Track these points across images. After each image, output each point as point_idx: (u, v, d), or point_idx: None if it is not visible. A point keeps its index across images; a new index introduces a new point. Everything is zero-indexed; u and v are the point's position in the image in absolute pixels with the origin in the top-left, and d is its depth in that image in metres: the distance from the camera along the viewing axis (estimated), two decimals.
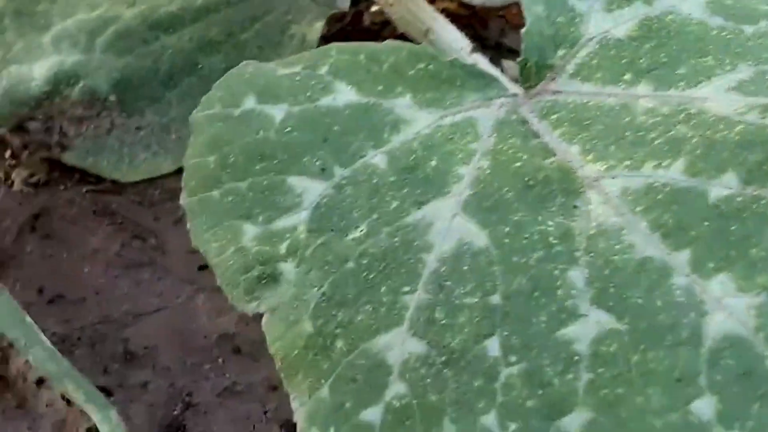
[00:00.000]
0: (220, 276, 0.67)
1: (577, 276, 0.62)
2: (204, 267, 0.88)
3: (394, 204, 0.67)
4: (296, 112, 0.71)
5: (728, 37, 0.73)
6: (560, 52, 0.75)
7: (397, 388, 0.61)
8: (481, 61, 0.80)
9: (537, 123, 0.71)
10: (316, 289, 0.65)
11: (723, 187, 0.63)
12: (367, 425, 0.62)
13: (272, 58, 0.88)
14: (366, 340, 0.63)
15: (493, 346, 0.61)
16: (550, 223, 0.64)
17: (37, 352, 0.81)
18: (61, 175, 0.95)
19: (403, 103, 0.72)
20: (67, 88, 0.91)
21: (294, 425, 0.64)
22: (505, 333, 0.61)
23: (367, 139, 0.70)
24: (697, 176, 0.64)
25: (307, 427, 0.63)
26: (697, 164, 0.64)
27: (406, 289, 0.64)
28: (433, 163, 0.69)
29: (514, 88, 0.75)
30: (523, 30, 0.75)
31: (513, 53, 0.74)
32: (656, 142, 0.66)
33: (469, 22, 1.04)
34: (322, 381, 0.63)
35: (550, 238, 0.64)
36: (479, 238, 0.65)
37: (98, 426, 0.80)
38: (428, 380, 0.61)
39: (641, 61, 0.73)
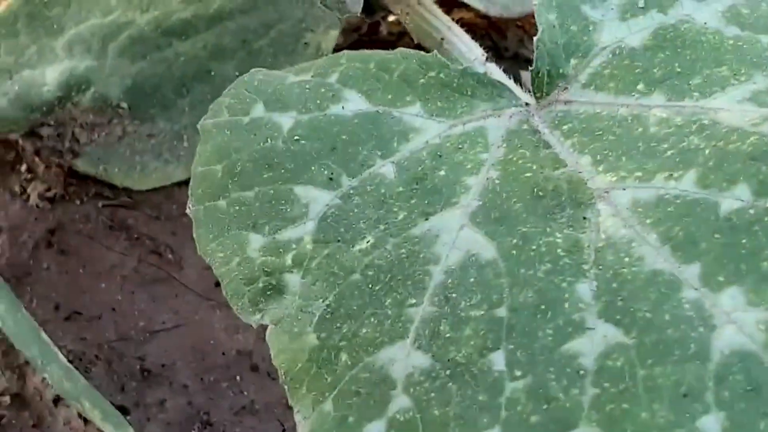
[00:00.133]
0: (225, 286, 0.67)
1: (584, 289, 0.61)
2: None
3: (402, 215, 0.66)
4: (305, 120, 0.71)
5: (744, 47, 0.72)
6: (573, 62, 0.74)
7: (401, 402, 0.61)
8: (495, 71, 0.80)
9: (548, 133, 0.71)
10: (321, 300, 0.64)
11: (735, 199, 0.62)
12: None
13: (287, 66, 0.87)
14: (370, 354, 0.62)
15: (498, 359, 0.60)
16: (559, 235, 0.64)
17: (54, 370, 0.81)
18: (77, 189, 0.95)
19: (412, 112, 0.72)
20: (79, 94, 0.91)
21: None
22: (511, 347, 0.60)
23: (376, 148, 0.69)
24: (708, 188, 0.63)
25: None
26: (708, 176, 0.63)
27: (412, 301, 0.63)
28: (442, 173, 0.68)
29: (526, 98, 0.74)
30: (535, 38, 0.75)
31: (531, 63, 0.74)
32: (668, 154, 0.66)
33: (486, 32, 1.04)
34: (326, 394, 0.62)
35: (558, 251, 0.63)
36: (487, 250, 0.64)
37: None
38: (432, 394, 0.60)
39: (655, 70, 0.72)
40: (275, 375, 0.82)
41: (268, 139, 0.70)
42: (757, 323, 0.57)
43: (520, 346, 0.60)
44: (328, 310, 0.64)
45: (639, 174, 0.65)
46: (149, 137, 0.92)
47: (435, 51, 0.81)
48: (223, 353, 0.88)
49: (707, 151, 0.64)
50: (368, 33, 1.03)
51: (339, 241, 0.66)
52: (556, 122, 0.71)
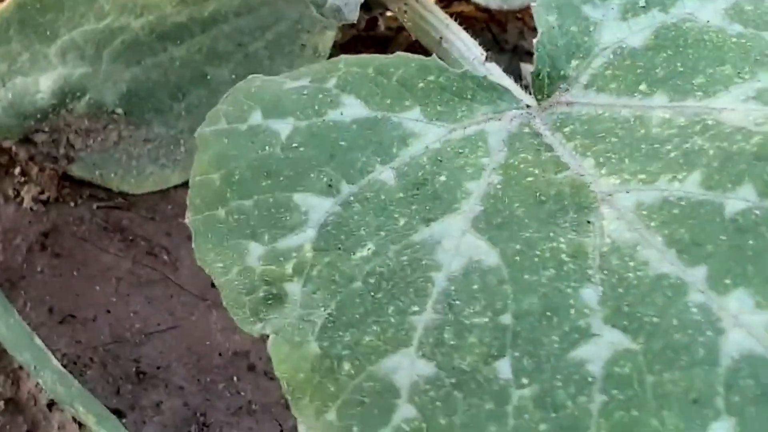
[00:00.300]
0: (225, 297, 0.66)
1: (590, 294, 0.60)
2: None
3: (402, 221, 0.66)
4: (303, 127, 0.70)
5: (748, 44, 0.71)
6: (573, 63, 0.74)
7: (405, 411, 0.60)
8: (495, 71, 0.79)
9: (550, 136, 0.70)
10: (322, 309, 0.63)
11: (740, 200, 0.61)
12: None
13: (284, 68, 0.87)
14: (373, 362, 0.61)
15: (504, 367, 0.59)
16: (562, 239, 0.63)
17: (47, 375, 0.81)
18: (71, 191, 0.94)
19: (412, 117, 0.71)
20: (73, 101, 0.90)
21: None
22: (516, 354, 0.59)
23: (375, 154, 0.69)
24: (713, 189, 0.62)
25: None
26: (713, 177, 0.62)
27: (415, 309, 0.62)
28: (442, 178, 0.67)
29: (527, 99, 0.74)
30: (535, 40, 0.74)
31: (531, 56, 0.73)
32: (672, 155, 0.65)
33: (486, 25, 1.03)
34: (329, 404, 0.61)
35: (562, 256, 0.62)
36: (489, 256, 0.63)
37: None
38: (438, 403, 0.59)
39: (657, 70, 0.71)
40: (272, 375, 0.82)
41: (267, 147, 0.69)
42: (765, 326, 0.57)
43: (526, 353, 0.59)
44: (330, 318, 0.63)
45: (642, 176, 0.64)
46: (145, 142, 0.91)
47: (434, 54, 0.81)
48: (220, 354, 0.88)
49: (711, 152, 0.64)
50: (366, 29, 1.02)
51: (339, 248, 0.65)
52: (558, 124, 0.71)
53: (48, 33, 0.90)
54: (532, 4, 0.76)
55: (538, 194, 0.65)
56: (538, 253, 0.63)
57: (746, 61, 0.70)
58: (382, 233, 0.65)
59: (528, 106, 0.73)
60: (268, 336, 0.64)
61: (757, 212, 0.60)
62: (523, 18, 1.06)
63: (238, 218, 0.67)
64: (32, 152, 0.92)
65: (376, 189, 0.67)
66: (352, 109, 0.71)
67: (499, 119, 0.72)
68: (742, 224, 0.60)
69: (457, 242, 0.64)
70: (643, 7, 0.75)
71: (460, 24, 0.85)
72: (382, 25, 1.02)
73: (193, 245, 0.67)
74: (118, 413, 0.84)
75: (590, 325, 0.59)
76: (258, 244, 0.66)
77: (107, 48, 0.90)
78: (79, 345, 0.88)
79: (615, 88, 0.71)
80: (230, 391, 0.86)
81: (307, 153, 0.69)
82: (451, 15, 0.85)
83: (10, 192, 0.94)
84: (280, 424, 0.84)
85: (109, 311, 0.89)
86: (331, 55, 0.90)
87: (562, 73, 0.74)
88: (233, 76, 0.89)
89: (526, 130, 0.71)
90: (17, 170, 0.94)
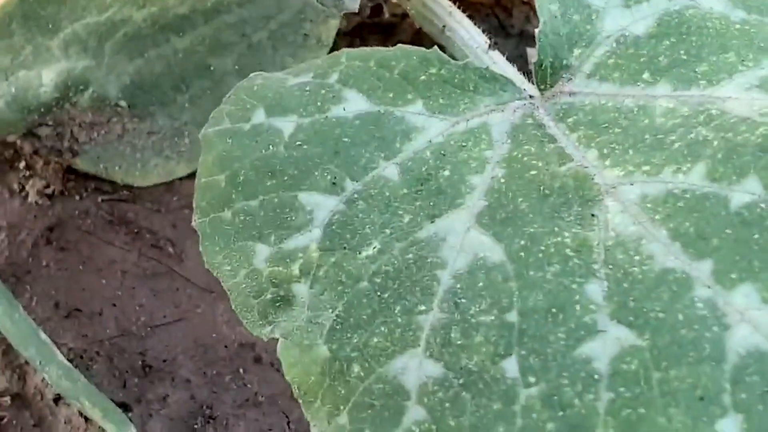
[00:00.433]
0: (234, 300, 0.66)
1: (595, 290, 0.60)
2: None
3: (407, 218, 0.66)
4: (306, 124, 0.70)
5: (751, 31, 0.71)
6: (576, 52, 0.73)
7: (415, 413, 0.60)
8: (499, 59, 0.79)
9: (553, 126, 0.70)
10: (330, 311, 0.64)
11: (745, 192, 0.61)
12: None
13: (287, 58, 0.87)
14: (382, 364, 0.61)
15: (511, 366, 0.59)
16: (567, 234, 0.63)
17: (53, 370, 0.81)
18: (76, 184, 0.94)
19: (414, 111, 0.71)
20: (77, 94, 0.90)
21: None
22: (523, 352, 0.59)
23: (379, 149, 0.69)
24: (718, 181, 0.62)
25: None
26: (717, 169, 0.62)
27: (421, 308, 0.62)
28: (446, 173, 0.67)
29: (530, 89, 0.73)
30: (536, 30, 0.73)
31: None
32: (676, 146, 0.65)
33: (491, 10, 1.02)
34: (341, 407, 0.62)
35: (567, 251, 0.62)
36: (494, 252, 0.63)
37: None
38: (447, 404, 0.60)
39: (660, 59, 0.71)
40: (278, 366, 0.82)
41: (270, 146, 0.69)
42: None
43: (533, 351, 0.59)
44: (338, 320, 0.63)
45: (646, 168, 0.64)
46: (149, 134, 0.91)
47: (439, 42, 0.81)
48: (226, 346, 0.88)
49: (715, 143, 0.64)
50: (371, 15, 1.01)
51: (345, 248, 0.65)
52: (561, 115, 0.70)
53: (50, 26, 0.90)
54: None
55: (541, 188, 0.65)
56: (542, 248, 0.62)
57: (750, 48, 0.70)
58: (387, 231, 0.65)
59: (531, 97, 0.73)
60: (277, 339, 0.65)
61: (763, 205, 0.60)
62: (529, 2, 1.05)
63: (244, 219, 0.67)
64: (37, 146, 0.92)
65: (380, 186, 0.67)
66: (354, 104, 0.71)
67: (502, 110, 0.71)
68: (747, 217, 0.60)
69: (462, 238, 0.64)
70: None
71: (465, 9, 0.84)
72: (386, 11, 1.01)
73: (200, 248, 0.67)
74: (125, 407, 0.84)
75: (596, 321, 0.59)
76: (264, 245, 0.66)
77: (110, 40, 0.89)
78: (85, 339, 0.88)
79: (618, 77, 0.71)
80: (236, 384, 0.86)
81: (311, 151, 0.69)
82: (456, 0, 0.84)
83: (15, 186, 0.94)
84: (286, 416, 0.84)
85: (114, 305, 0.89)
86: (335, 43, 0.89)
87: (564, 62, 0.73)
88: (236, 67, 0.89)
89: (530, 121, 0.71)
90: (22, 164, 0.94)
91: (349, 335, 0.63)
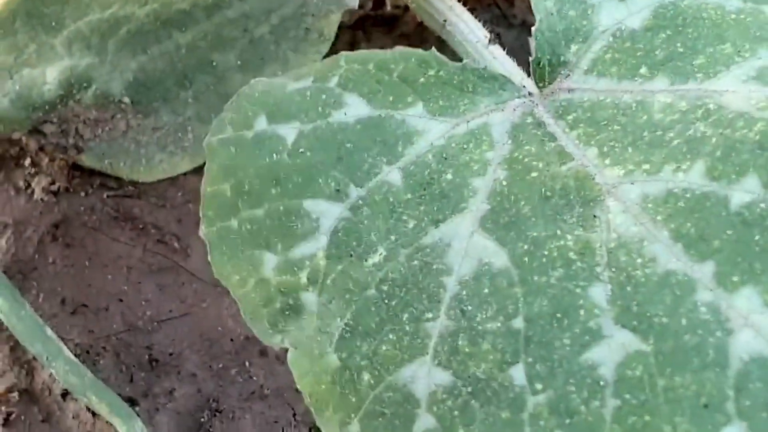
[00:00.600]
0: (244, 309, 0.67)
1: (599, 293, 0.61)
2: None
3: (412, 223, 0.66)
4: (308, 130, 0.70)
5: (747, 20, 0.71)
6: (573, 48, 0.73)
7: (425, 421, 0.61)
8: (499, 54, 0.79)
9: (553, 124, 0.70)
10: (339, 319, 0.64)
11: (745, 191, 0.61)
12: None
13: (289, 53, 0.87)
14: (392, 372, 0.62)
15: (518, 374, 0.60)
16: (570, 237, 0.63)
17: (60, 366, 0.82)
18: (81, 181, 0.94)
19: (415, 113, 0.71)
20: (81, 91, 0.90)
21: None
22: (530, 359, 0.60)
23: (381, 154, 0.69)
24: (717, 180, 0.62)
25: None
26: (717, 167, 0.63)
27: (429, 315, 0.63)
28: (449, 176, 0.68)
29: (530, 86, 0.74)
30: (533, 28, 0.74)
31: None
32: (674, 143, 0.65)
33: (494, 1, 1.02)
34: (352, 415, 0.63)
35: (570, 254, 0.63)
36: (498, 257, 0.64)
37: None
38: (456, 413, 0.61)
39: (657, 52, 0.71)
40: (284, 359, 0.83)
41: (274, 154, 0.69)
42: None
43: (539, 358, 0.60)
44: (347, 328, 0.64)
45: (646, 167, 0.65)
46: (153, 130, 0.91)
47: (440, 33, 0.81)
48: (231, 340, 0.88)
49: (714, 140, 0.64)
50: (374, 8, 1.01)
51: (351, 255, 0.66)
52: (560, 112, 0.71)
53: (54, 24, 0.90)
54: None
55: (543, 190, 0.66)
56: (546, 252, 0.63)
57: (746, 37, 0.70)
58: (393, 237, 0.66)
59: (530, 94, 0.73)
60: (287, 349, 0.65)
61: (763, 205, 0.60)
62: None
63: (250, 228, 0.68)
64: (42, 143, 0.92)
65: (384, 191, 0.68)
66: (355, 108, 0.71)
67: (502, 110, 0.72)
68: (748, 218, 0.60)
69: (467, 244, 0.65)
70: None
71: (467, 2, 0.84)
72: (389, 4, 1.00)
73: (209, 258, 0.68)
74: (132, 401, 0.85)
75: (600, 326, 0.60)
76: (272, 253, 0.67)
77: (113, 37, 0.89)
78: (92, 334, 0.88)
79: (616, 72, 0.71)
80: (242, 377, 0.86)
81: (314, 158, 0.69)
82: None
83: (21, 183, 0.94)
84: (292, 408, 0.85)
85: (121, 300, 0.90)
86: (338, 36, 0.89)
87: (562, 59, 0.73)
88: (239, 62, 0.89)
89: (529, 119, 0.71)
90: (27, 161, 0.94)
91: (358, 344, 0.63)
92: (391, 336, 0.63)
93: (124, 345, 0.88)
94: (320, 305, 0.65)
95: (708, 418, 0.56)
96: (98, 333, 0.89)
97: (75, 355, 0.84)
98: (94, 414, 0.85)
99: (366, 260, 0.65)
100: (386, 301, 0.64)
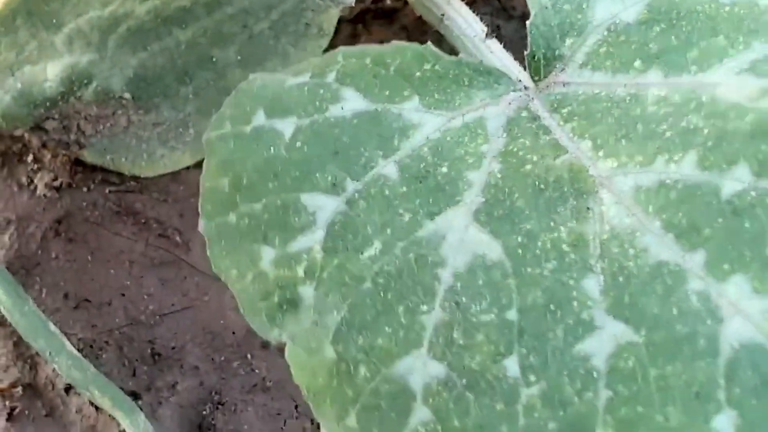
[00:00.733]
0: (242, 303, 0.67)
1: (591, 285, 0.62)
2: None
3: (407, 216, 0.67)
4: (306, 125, 0.70)
5: (741, 12, 0.71)
6: (568, 42, 0.74)
7: (421, 413, 0.62)
8: (495, 48, 0.79)
9: (548, 117, 0.71)
10: (335, 313, 0.65)
11: (735, 180, 0.62)
12: None
13: (289, 48, 0.87)
14: (388, 365, 0.63)
15: (512, 365, 0.61)
16: (563, 229, 0.64)
17: (63, 360, 0.83)
18: (83, 176, 0.95)
19: (411, 107, 0.71)
20: (81, 88, 0.90)
21: None
22: (523, 351, 0.61)
23: (377, 148, 0.69)
24: (708, 170, 0.63)
25: None
26: (708, 157, 0.63)
27: (424, 308, 0.63)
28: (444, 169, 0.68)
29: (525, 80, 0.74)
30: (528, 22, 0.74)
31: None
32: (667, 135, 0.65)
33: None
34: (349, 409, 0.63)
35: (564, 246, 0.63)
36: (492, 249, 0.64)
37: (127, 431, 0.81)
38: (451, 405, 0.61)
39: (651, 45, 0.71)
40: None
41: (271, 148, 0.70)
42: (763, 313, 0.58)
43: (532, 349, 0.61)
44: (343, 322, 0.64)
45: (640, 158, 0.65)
46: (154, 126, 0.92)
47: (438, 27, 0.81)
48: (233, 332, 0.89)
49: (706, 131, 0.64)
50: (373, 1, 1.01)
51: (348, 248, 0.66)
52: (555, 105, 0.71)
53: (54, 21, 0.90)
54: None
55: (537, 182, 0.66)
56: (539, 244, 0.64)
57: (739, 30, 0.70)
58: (389, 230, 0.66)
59: (526, 88, 0.73)
60: (285, 343, 0.66)
61: (753, 193, 0.61)
62: None
63: (248, 222, 0.68)
64: (44, 139, 0.92)
65: (380, 184, 0.68)
66: (352, 102, 0.71)
67: (497, 104, 0.72)
68: (738, 206, 0.61)
69: (461, 236, 0.65)
70: None
71: None
72: None
73: (208, 253, 0.68)
74: (134, 395, 0.86)
75: (593, 317, 0.60)
76: (270, 247, 0.67)
77: (113, 34, 0.89)
78: (95, 329, 0.89)
79: (610, 66, 0.71)
80: (244, 369, 0.87)
81: (311, 152, 0.69)
82: None
83: (24, 179, 0.95)
84: (294, 400, 0.85)
85: (123, 294, 0.90)
86: (338, 30, 0.89)
87: (557, 53, 0.74)
88: (239, 58, 0.89)
89: (524, 113, 0.71)
90: (30, 158, 0.95)
91: (354, 337, 0.64)
92: (386, 329, 0.63)
93: (126, 339, 0.89)
94: (317, 299, 0.65)
95: (700, 407, 0.57)
96: (101, 327, 0.89)
97: (78, 350, 0.85)
98: (97, 408, 0.85)
99: (362, 253, 0.66)
100: (382, 294, 0.64)
